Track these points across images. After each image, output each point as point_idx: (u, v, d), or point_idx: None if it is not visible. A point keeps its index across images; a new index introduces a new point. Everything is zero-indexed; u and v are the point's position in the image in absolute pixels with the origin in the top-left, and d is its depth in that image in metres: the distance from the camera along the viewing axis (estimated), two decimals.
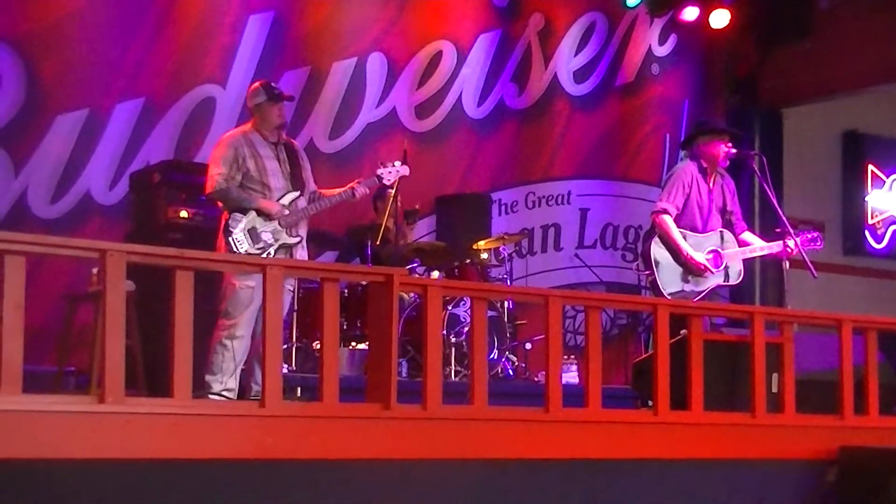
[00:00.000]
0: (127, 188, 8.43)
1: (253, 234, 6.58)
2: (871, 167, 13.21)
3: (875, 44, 11.26)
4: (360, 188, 6.95)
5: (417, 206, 8.66)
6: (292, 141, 7.09)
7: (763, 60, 12.13)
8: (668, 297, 7.08)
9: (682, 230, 7.25)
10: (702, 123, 8.03)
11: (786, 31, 11.80)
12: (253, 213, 6.62)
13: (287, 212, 6.66)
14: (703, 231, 7.33)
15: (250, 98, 6.90)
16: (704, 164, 7.39)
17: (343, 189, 6.95)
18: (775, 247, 7.35)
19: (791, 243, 7.21)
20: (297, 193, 6.77)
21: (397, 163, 7.11)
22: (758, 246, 7.46)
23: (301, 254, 6.77)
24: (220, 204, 6.78)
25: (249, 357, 6.55)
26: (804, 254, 7.19)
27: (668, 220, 7.23)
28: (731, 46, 12.20)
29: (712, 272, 7.23)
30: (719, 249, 7.31)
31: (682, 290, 7.20)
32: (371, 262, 8.16)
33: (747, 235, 7.51)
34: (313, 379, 5.80)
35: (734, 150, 7.46)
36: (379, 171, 7.05)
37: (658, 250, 7.25)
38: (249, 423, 4.56)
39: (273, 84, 7.05)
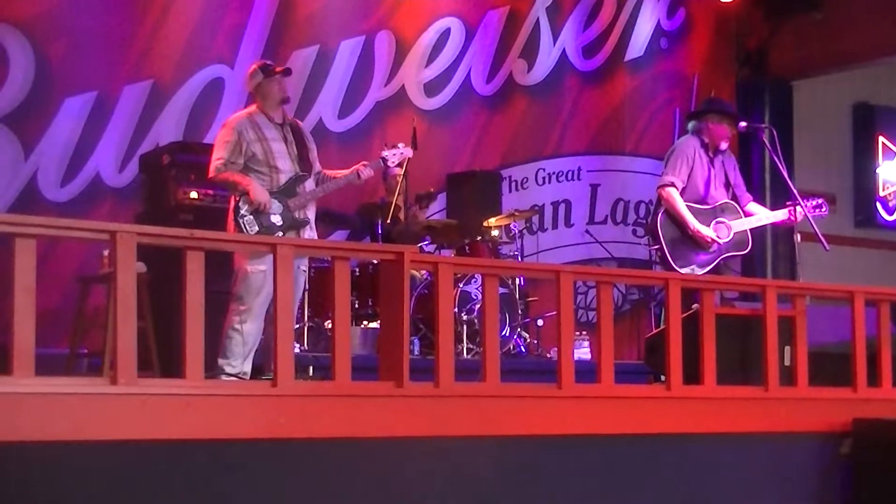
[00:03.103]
0: (137, 170, 8.42)
1: (262, 215, 6.53)
2: (881, 139, 13.15)
3: (886, 15, 11.19)
4: (366, 171, 6.84)
5: (432, 189, 8.56)
6: (298, 122, 7.03)
7: (773, 33, 12.07)
8: (678, 271, 7.08)
9: (687, 203, 7.27)
10: (713, 101, 8.07)
11: (796, 2, 11.74)
12: None
13: (272, 205, 6.52)
14: (708, 203, 7.35)
15: (249, 81, 6.81)
16: (706, 141, 7.44)
17: (349, 171, 6.87)
18: (780, 214, 7.45)
19: (797, 210, 7.27)
20: (305, 175, 6.73)
21: (401, 144, 7.05)
22: (763, 215, 7.54)
23: (310, 236, 6.73)
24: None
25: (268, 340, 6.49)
26: (814, 224, 7.20)
27: (675, 193, 7.25)
28: (740, 19, 12.14)
29: (719, 244, 7.24)
30: (725, 221, 7.33)
31: (691, 263, 7.21)
32: (382, 241, 8.16)
33: (753, 206, 7.55)
34: (325, 358, 5.82)
35: (743, 124, 7.50)
36: (384, 154, 6.97)
37: (665, 224, 7.27)
38: (262, 402, 4.57)
39: (268, 62, 6.98)
